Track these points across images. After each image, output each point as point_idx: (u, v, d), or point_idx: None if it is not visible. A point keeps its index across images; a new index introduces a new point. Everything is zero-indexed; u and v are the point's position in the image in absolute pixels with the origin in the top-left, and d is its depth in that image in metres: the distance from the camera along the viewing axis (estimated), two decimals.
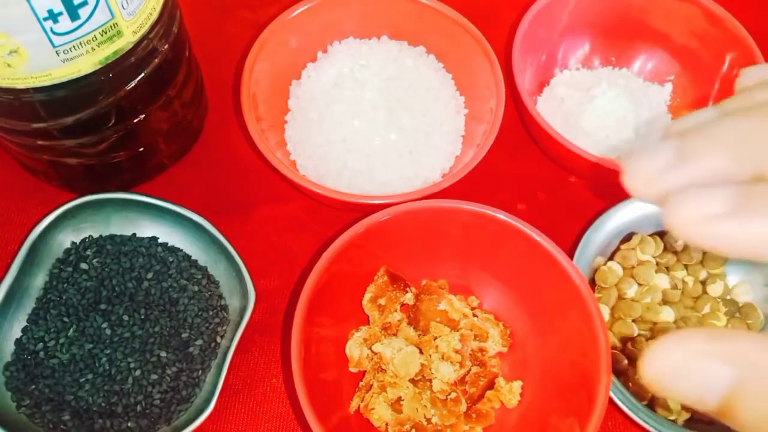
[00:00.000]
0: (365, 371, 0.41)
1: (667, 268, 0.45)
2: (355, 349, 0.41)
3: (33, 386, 0.39)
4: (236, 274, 0.42)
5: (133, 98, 0.39)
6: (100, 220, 0.43)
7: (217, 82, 0.51)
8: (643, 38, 0.52)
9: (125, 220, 0.43)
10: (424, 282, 0.44)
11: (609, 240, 0.44)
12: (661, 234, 0.45)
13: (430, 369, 0.40)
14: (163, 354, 0.40)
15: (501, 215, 0.39)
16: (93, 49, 0.34)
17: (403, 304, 0.43)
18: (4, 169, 0.47)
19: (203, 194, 0.47)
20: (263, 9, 0.54)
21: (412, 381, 0.40)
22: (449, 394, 0.40)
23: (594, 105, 0.49)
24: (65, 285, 0.41)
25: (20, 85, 0.34)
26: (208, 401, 0.38)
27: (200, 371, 0.40)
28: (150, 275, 0.42)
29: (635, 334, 0.42)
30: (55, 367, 0.39)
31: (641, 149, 0.17)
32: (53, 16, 0.31)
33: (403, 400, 0.39)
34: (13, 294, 0.40)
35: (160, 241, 0.44)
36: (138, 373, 0.39)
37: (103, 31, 0.34)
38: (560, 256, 0.38)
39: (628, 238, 0.45)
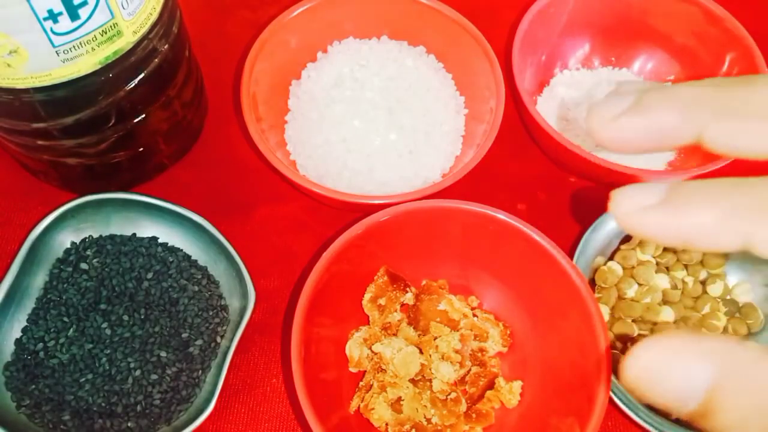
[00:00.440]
0: (365, 371, 0.41)
1: (667, 268, 0.45)
2: (355, 349, 0.41)
3: (33, 386, 0.39)
4: (236, 274, 0.42)
5: (133, 98, 0.39)
6: (100, 220, 0.43)
7: (217, 82, 0.51)
8: (643, 38, 0.52)
9: (125, 220, 0.43)
10: (424, 282, 0.44)
11: (609, 240, 0.44)
12: None
13: (430, 369, 0.40)
14: (163, 354, 0.40)
15: (501, 215, 0.39)
16: (93, 49, 0.34)
17: (403, 304, 0.43)
18: (4, 169, 0.47)
19: (203, 194, 0.47)
20: (263, 9, 0.54)
21: (412, 381, 0.40)
22: (449, 394, 0.40)
23: None
24: (65, 285, 0.41)
25: (20, 85, 0.34)
26: (208, 401, 0.38)
27: (200, 371, 0.40)
28: (150, 275, 0.42)
29: (635, 334, 0.42)
30: (55, 367, 0.39)
31: (607, 98, 0.19)
32: (53, 16, 0.31)
33: (403, 400, 0.39)
34: (13, 294, 0.40)
35: (160, 241, 0.44)
36: (138, 373, 0.39)
37: (103, 31, 0.34)
38: (560, 256, 0.38)
39: (628, 238, 0.45)
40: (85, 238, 0.43)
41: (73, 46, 0.33)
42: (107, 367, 0.39)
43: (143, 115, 0.41)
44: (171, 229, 0.44)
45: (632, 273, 0.44)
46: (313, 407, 0.34)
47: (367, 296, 0.42)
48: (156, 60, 0.39)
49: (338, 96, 0.46)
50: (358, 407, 0.40)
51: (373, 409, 0.39)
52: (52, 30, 0.32)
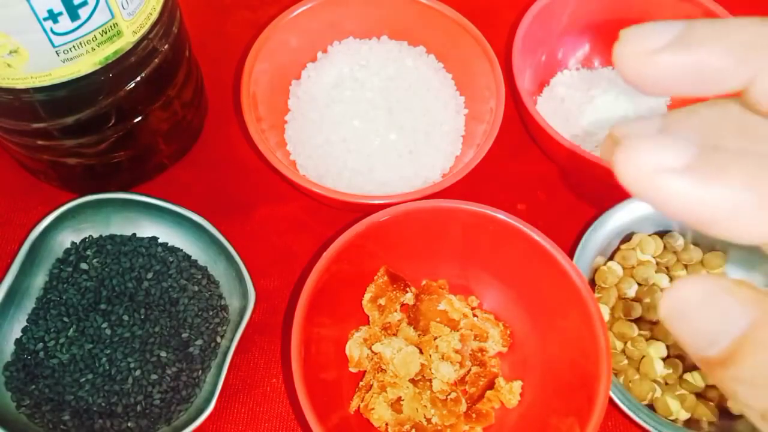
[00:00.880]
0: (365, 371, 0.41)
1: (667, 268, 0.45)
2: (355, 349, 0.41)
3: (33, 386, 0.39)
4: (236, 274, 0.42)
5: (133, 98, 0.39)
6: (100, 220, 0.43)
7: (217, 82, 0.51)
8: None
9: (125, 220, 0.43)
10: (424, 282, 0.44)
11: (609, 240, 0.44)
12: (661, 234, 0.45)
13: (430, 369, 0.40)
14: (163, 354, 0.40)
15: (501, 215, 0.39)
16: (93, 49, 0.34)
17: (403, 304, 0.43)
18: (4, 169, 0.47)
19: (203, 194, 0.47)
20: (263, 9, 0.54)
21: (412, 381, 0.40)
22: (449, 394, 0.40)
23: (594, 105, 0.49)
24: (65, 285, 0.41)
25: (20, 85, 0.34)
26: (208, 401, 0.38)
27: (200, 371, 0.40)
28: (150, 275, 0.42)
29: (635, 334, 0.42)
30: (55, 367, 0.39)
31: (643, 26, 0.16)
32: (53, 16, 0.31)
33: (403, 400, 0.39)
34: (13, 294, 0.40)
35: (160, 241, 0.44)
36: (138, 373, 0.39)
37: (103, 31, 0.34)
38: (560, 256, 0.38)
39: (628, 238, 0.45)
40: (85, 238, 0.43)
41: (73, 46, 0.33)
42: (107, 367, 0.39)
43: (143, 115, 0.41)
44: (171, 229, 0.44)
45: (632, 273, 0.44)
46: (313, 407, 0.34)
47: (367, 296, 0.42)
48: (156, 60, 0.39)
49: (338, 96, 0.46)
50: (358, 407, 0.40)
51: (373, 409, 0.39)
52: (52, 30, 0.32)
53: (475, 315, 0.43)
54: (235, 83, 0.51)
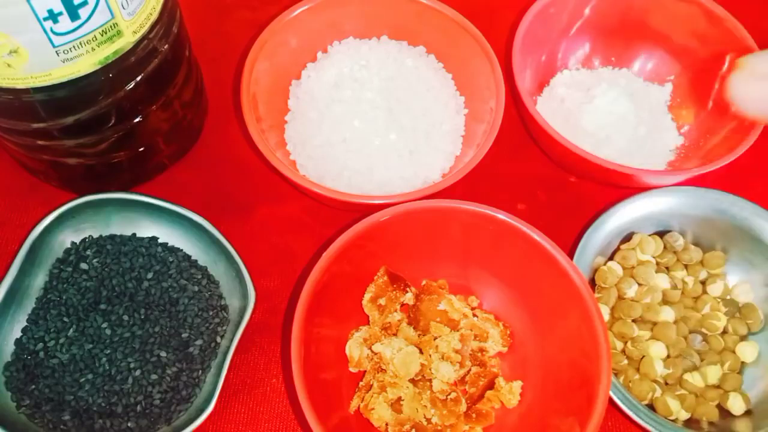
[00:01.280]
0: (365, 371, 0.41)
1: (667, 268, 0.45)
2: (355, 349, 0.41)
3: (33, 386, 0.39)
4: (236, 274, 0.42)
5: (133, 98, 0.39)
6: (100, 220, 0.43)
7: (217, 82, 0.51)
8: (643, 38, 0.52)
9: (125, 220, 0.43)
10: (424, 282, 0.44)
11: (609, 240, 0.44)
12: (661, 234, 0.45)
13: (430, 369, 0.40)
14: (163, 354, 0.40)
15: (501, 215, 0.39)
16: (93, 49, 0.34)
17: (403, 304, 0.43)
18: (4, 169, 0.47)
19: (203, 194, 0.47)
20: (263, 9, 0.54)
21: (412, 381, 0.40)
22: (449, 394, 0.40)
23: (594, 105, 0.49)
24: (65, 285, 0.41)
25: (20, 85, 0.34)
26: (208, 401, 0.38)
27: (200, 371, 0.40)
28: (150, 275, 0.42)
29: (635, 334, 0.42)
30: (55, 367, 0.39)
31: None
32: (53, 16, 0.31)
33: (403, 400, 0.39)
34: (13, 294, 0.40)
35: (160, 241, 0.44)
36: (138, 373, 0.39)
37: (103, 31, 0.34)
38: (560, 256, 0.38)
39: (628, 238, 0.45)
40: (85, 238, 0.43)
41: (73, 46, 0.33)
42: (107, 367, 0.39)
43: (143, 115, 0.41)
44: (171, 229, 0.44)
45: (632, 273, 0.44)
46: (313, 407, 0.34)
47: (367, 296, 0.42)
48: (156, 60, 0.39)
49: (338, 96, 0.46)
50: (358, 407, 0.40)
51: (373, 409, 0.39)
52: (52, 30, 0.32)
53: (475, 315, 0.43)
54: (235, 83, 0.51)
